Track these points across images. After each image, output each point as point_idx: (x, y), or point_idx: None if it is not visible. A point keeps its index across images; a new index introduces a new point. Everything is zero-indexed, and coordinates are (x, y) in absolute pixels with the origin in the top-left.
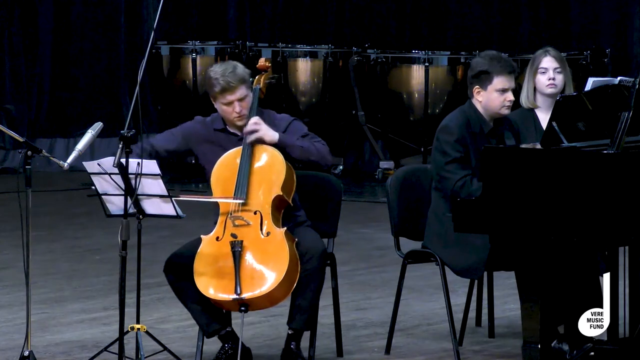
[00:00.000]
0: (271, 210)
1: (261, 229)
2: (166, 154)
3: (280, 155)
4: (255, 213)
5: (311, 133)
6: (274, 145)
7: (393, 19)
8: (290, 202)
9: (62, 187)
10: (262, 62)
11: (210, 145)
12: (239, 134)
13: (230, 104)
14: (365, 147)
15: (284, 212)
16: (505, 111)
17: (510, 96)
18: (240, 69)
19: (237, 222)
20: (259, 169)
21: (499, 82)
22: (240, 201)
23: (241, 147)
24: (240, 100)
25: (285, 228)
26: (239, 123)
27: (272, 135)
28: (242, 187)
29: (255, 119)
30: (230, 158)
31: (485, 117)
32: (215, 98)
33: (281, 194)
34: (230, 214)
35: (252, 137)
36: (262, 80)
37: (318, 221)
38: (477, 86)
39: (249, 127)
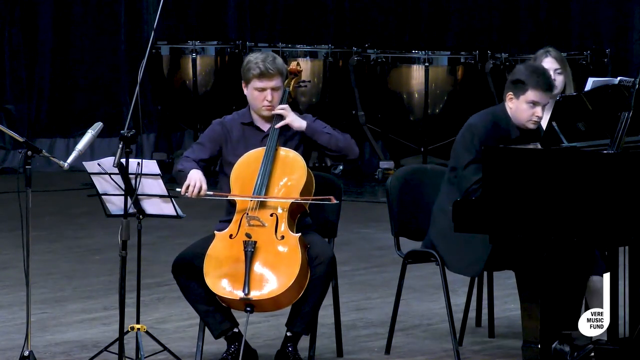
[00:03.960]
0: (287, 214)
1: (276, 232)
2: (203, 162)
3: (302, 160)
4: (271, 215)
5: (336, 129)
6: (302, 132)
7: (393, 19)
8: (307, 208)
9: (62, 187)
10: (294, 65)
11: (234, 138)
12: (265, 130)
13: (263, 90)
14: (365, 147)
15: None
16: (532, 125)
17: (539, 112)
18: (280, 60)
19: (252, 222)
20: (279, 171)
21: (532, 95)
22: (259, 199)
23: (264, 147)
24: (274, 90)
25: (300, 234)
26: (266, 113)
27: (300, 122)
28: (261, 188)
29: (282, 106)
30: (252, 157)
31: (513, 123)
32: (249, 82)
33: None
34: (247, 214)
35: (281, 123)
36: (292, 83)
37: (318, 221)
38: (510, 92)
39: (277, 111)
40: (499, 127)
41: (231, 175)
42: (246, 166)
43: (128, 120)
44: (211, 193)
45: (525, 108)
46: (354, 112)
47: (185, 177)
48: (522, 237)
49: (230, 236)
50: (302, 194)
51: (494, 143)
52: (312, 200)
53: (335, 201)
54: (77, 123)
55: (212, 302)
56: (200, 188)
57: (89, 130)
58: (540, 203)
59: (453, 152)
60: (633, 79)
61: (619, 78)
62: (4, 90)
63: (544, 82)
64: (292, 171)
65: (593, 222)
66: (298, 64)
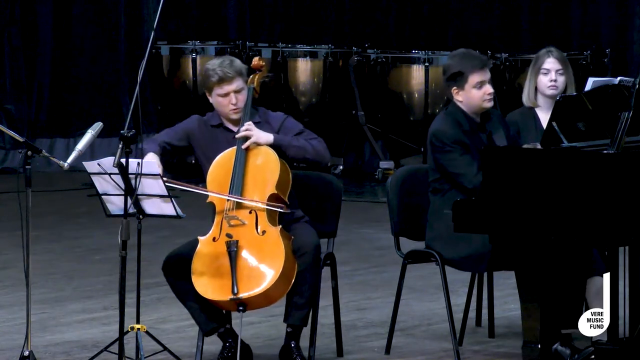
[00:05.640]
0: (266, 209)
1: (256, 228)
2: (169, 147)
3: (274, 154)
4: (250, 212)
5: (307, 130)
6: (270, 146)
7: (393, 19)
8: (286, 199)
9: (62, 187)
10: (255, 61)
11: (206, 142)
12: (235, 130)
13: (226, 95)
14: (365, 147)
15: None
16: (488, 104)
17: (488, 89)
18: (238, 62)
19: (232, 222)
20: (253, 168)
21: (475, 78)
22: (236, 199)
23: (236, 146)
24: (237, 92)
25: (280, 226)
26: (234, 116)
27: (266, 137)
28: (237, 186)
29: (247, 125)
30: (225, 158)
31: (471, 114)
32: (211, 89)
33: (276, 192)
34: (226, 214)
35: (247, 143)
36: (256, 79)
37: (318, 221)
38: (454, 87)
39: (242, 134)
40: (460, 122)
41: (207, 178)
42: (220, 167)
43: (128, 120)
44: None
45: (475, 92)
46: (354, 112)
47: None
48: (522, 237)
49: (214, 239)
50: (278, 186)
51: (463, 136)
52: (267, 205)
53: (287, 210)
54: (77, 123)
55: (200, 300)
56: None
57: (89, 130)
58: (540, 203)
59: (431, 164)
60: (633, 79)
61: (619, 78)
62: (4, 90)
63: (478, 61)
64: (266, 166)
65: (593, 222)
66: (260, 59)
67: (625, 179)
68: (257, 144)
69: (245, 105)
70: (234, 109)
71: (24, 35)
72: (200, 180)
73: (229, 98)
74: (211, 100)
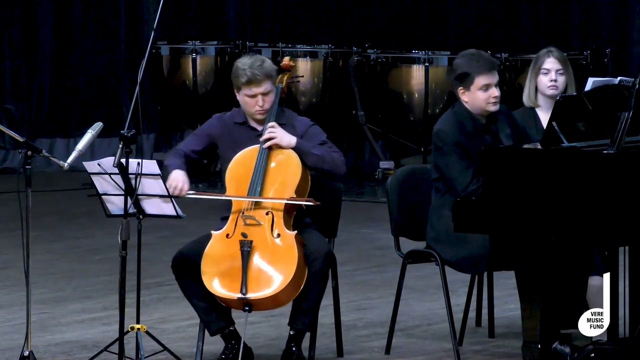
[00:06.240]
0: (283, 212)
1: (272, 230)
2: (195, 155)
3: (296, 158)
4: (267, 214)
5: (329, 141)
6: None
7: (393, 19)
8: (303, 206)
9: (62, 187)
10: (286, 61)
11: (229, 138)
12: (259, 129)
13: (254, 96)
14: (365, 147)
15: (294, 215)
16: (492, 107)
17: (494, 92)
18: (268, 63)
19: (248, 222)
20: (274, 169)
21: (481, 81)
22: (254, 200)
23: (258, 145)
24: (264, 94)
25: (296, 232)
26: (260, 117)
27: (288, 140)
28: (256, 186)
29: (271, 124)
30: (247, 156)
31: (476, 115)
32: (240, 89)
33: (295, 196)
34: (242, 213)
35: (269, 143)
36: (285, 79)
37: (318, 221)
38: (460, 87)
39: (265, 135)
40: (464, 124)
41: (226, 175)
42: (240, 165)
43: (128, 120)
44: (192, 192)
45: (480, 95)
46: (354, 112)
47: (168, 176)
48: (522, 237)
49: (227, 236)
50: (297, 191)
51: (465, 140)
52: (291, 200)
53: (317, 202)
54: (77, 123)
55: (209, 299)
56: (182, 189)
57: (89, 130)
58: (540, 203)
59: (433, 163)
60: (633, 79)
61: (619, 78)
62: (4, 90)
63: (486, 64)
64: (287, 169)
65: (593, 222)
66: (291, 59)
67: (625, 179)
68: (279, 146)
69: (272, 105)
70: (260, 111)
71: (24, 35)
72: (201, 180)
73: (256, 99)
74: (238, 97)
